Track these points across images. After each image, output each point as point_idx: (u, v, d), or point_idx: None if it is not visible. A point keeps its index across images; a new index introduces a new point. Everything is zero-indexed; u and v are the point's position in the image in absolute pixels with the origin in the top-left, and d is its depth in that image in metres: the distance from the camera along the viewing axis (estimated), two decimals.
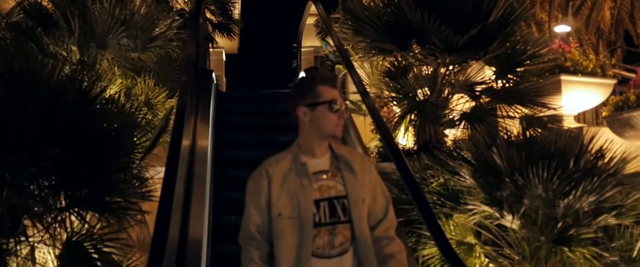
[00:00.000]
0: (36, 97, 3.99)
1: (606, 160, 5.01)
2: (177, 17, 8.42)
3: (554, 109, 6.14)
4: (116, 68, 6.81)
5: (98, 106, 4.75)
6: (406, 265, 2.78)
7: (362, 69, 6.97)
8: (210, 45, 12.15)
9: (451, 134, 6.40)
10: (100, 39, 6.39)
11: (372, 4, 6.50)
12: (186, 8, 10.85)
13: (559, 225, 4.74)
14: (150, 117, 6.85)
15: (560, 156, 4.88)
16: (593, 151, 5.33)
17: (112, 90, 6.92)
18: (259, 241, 2.68)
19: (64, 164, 3.89)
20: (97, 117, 4.59)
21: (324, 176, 2.71)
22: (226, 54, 16.96)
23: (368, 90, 6.11)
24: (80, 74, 4.97)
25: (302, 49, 10.50)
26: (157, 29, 7.04)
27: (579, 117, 7.12)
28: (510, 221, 4.85)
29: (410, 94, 6.18)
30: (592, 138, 5.15)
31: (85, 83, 4.73)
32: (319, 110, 2.67)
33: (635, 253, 4.77)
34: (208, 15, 11.73)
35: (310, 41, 13.20)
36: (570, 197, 4.67)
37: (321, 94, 2.67)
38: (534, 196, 4.77)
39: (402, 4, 5.87)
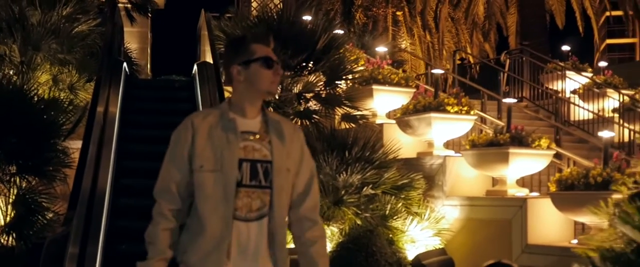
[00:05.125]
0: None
1: (374, 151, 7.69)
2: (96, 16, 10.71)
3: (362, 109, 8.79)
4: (48, 63, 9.07)
5: (35, 101, 7.13)
6: (326, 251, 2.77)
7: None
8: (131, 24, 14.32)
9: None
10: (35, 44, 8.64)
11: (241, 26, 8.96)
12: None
13: (340, 193, 7.39)
14: (73, 98, 9.23)
15: (342, 147, 7.55)
16: (385, 143, 8.10)
17: (42, 78, 9.22)
18: (174, 195, 2.64)
19: (17, 145, 6.28)
20: (36, 111, 6.96)
21: (252, 137, 2.65)
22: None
23: None
24: (24, 79, 7.31)
25: None
26: (77, 33, 9.34)
27: (390, 115, 9.79)
28: None
29: None
30: (369, 136, 7.83)
31: (25, 86, 7.10)
32: (253, 67, 2.63)
33: (387, 212, 7.47)
34: None
35: None
36: (345, 174, 7.34)
37: (255, 52, 2.64)
38: (325, 172, 7.41)
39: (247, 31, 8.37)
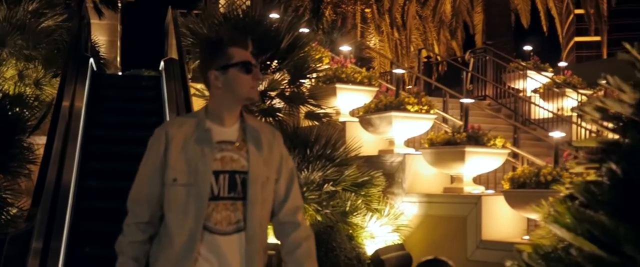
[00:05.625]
0: None
1: (336, 148, 7.89)
2: (63, 11, 10.75)
3: (325, 107, 8.97)
4: (14, 59, 9.11)
5: (1, 97, 7.20)
6: (314, 253, 2.64)
7: None
8: (99, 18, 14.33)
9: None
10: (1, 40, 8.69)
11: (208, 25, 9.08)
12: None
13: (301, 190, 7.57)
14: (39, 94, 9.28)
15: (304, 144, 7.73)
16: (346, 140, 8.30)
17: (7, 74, 9.26)
18: (144, 207, 2.56)
19: None
20: (1, 107, 7.04)
21: (229, 147, 2.53)
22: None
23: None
24: None
25: None
26: (43, 29, 9.39)
27: (353, 113, 9.99)
28: None
29: None
30: (332, 134, 8.02)
31: None
32: (232, 72, 2.51)
33: (347, 209, 7.68)
34: None
35: None
36: (306, 172, 7.52)
37: (233, 56, 2.52)
38: None
39: (221, 32, 8.48)
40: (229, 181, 2.51)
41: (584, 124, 10.46)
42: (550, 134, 7.28)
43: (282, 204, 2.64)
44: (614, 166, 2.18)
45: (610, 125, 2.45)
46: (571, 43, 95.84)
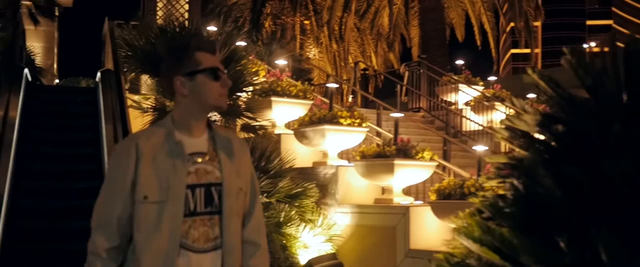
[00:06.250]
0: None
1: (270, 160, 8.07)
2: None
3: (261, 120, 9.15)
4: None
5: None
6: None
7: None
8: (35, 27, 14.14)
9: None
10: None
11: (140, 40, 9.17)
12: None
13: None
14: None
15: None
16: (281, 153, 8.48)
17: None
18: (113, 230, 2.34)
19: None
20: None
21: (199, 159, 2.40)
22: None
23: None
24: None
25: None
26: None
27: (288, 126, 10.19)
28: None
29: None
30: (267, 146, 8.20)
31: None
32: (200, 79, 2.38)
33: (281, 219, 7.85)
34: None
35: None
36: None
37: (200, 61, 2.38)
38: None
39: (158, 49, 8.58)
40: (206, 195, 2.39)
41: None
42: (474, 147, 7.62)
43: (249, 217, 2.54)
44: (515, 182, 2.41)
45: (517, 142, 2.68)
46: (508, 55, 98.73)
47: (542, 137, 2.44)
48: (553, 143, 2.46)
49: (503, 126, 2.67)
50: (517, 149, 2.76)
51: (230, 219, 2.41)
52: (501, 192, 2.78)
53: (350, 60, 21.79)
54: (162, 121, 2.49)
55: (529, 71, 2.69)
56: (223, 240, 2.40)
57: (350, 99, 13.76)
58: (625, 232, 1.95)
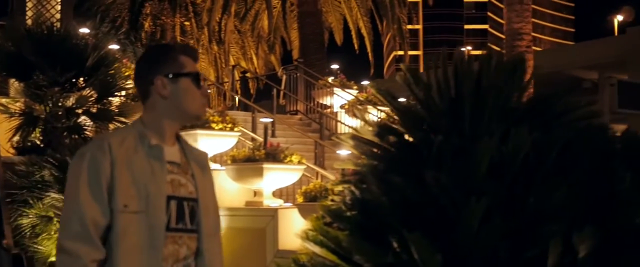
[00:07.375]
0: None
1: None
2: None
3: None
4: None
5: None
6: None
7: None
8: None
9: None
10: None
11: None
12: None
13: None
14: None
15: None
16: None
17: None
18: (94, 240, 2.01)
19: None
20: None
21: (176, 169, 2.19)
22: None
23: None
24: None
25: None
26: None
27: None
28: None
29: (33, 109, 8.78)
30: None
31: None
32: (183, 82, 2.18)
33: None
34: None
35: None
36: None
37: (185, 64, 2.20)
38: None
39: (25, 52, 8.43)
40: (178, 210, 2.15)
41: None
42: (338, 151, 7.99)
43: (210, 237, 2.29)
44: (353, 187, 2.66)
45: (360, 150, 2.94)
46: (391, 56, 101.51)
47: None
48: (387, 152, 2.74)
49: (349, 135, 2.94)
50: (362, 157, 3.03)
51: (210, 238, 2.23)
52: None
53: (232, 62, 21.90)
54: (129, 125, 2.31)
55: (369, 84, 2.99)
56: (202, 263, 2.20)
57: (222, 103, 13.88)
58: (436, 235, 2.21)
